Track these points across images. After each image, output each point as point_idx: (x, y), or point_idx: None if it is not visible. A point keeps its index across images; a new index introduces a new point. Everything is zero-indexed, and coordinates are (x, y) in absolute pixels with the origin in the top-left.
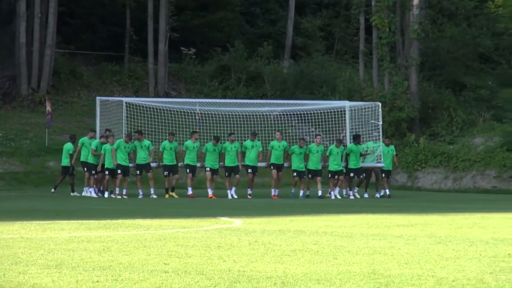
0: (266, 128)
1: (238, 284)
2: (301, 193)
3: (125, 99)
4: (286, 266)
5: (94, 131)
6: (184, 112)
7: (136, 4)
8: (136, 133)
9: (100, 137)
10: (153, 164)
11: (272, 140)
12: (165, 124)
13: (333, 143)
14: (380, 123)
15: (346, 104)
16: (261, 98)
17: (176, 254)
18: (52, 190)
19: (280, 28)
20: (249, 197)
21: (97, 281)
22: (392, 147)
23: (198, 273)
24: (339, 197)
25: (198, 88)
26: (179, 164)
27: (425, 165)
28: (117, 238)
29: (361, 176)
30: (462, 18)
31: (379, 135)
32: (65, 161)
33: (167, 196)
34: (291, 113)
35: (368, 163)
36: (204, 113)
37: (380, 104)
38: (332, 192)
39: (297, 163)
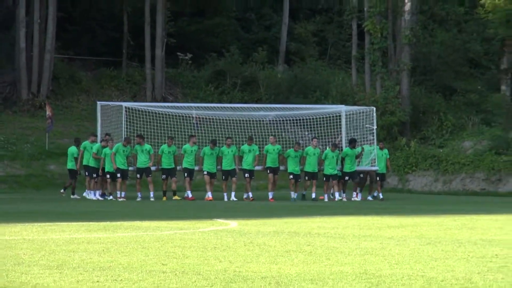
0: (262, 132)
1: (234, 284)
2: (295, 195)
3: (124, 104)
4: (281, 267)
5: (96, 135)
6: (181, 116)
7: (133, 10)
8: (137, 137)
9: (101, 141)
10: (152, 168)
11: (267, 144)
12: (163, 128)
13: (327, 147)
14: (375, 127)
15: (342, 108)
16: (256, 102)
17: (173, 255)
18: (75, 196)
19: (275, 33)
20: (251, 200)
21: (97, 281)
22: (386, 150)
23: (195, 273)
24: (345, 199)
25: (195, 92)
26: (178, 167)
27: (416, 168)
28: (116, 240)
29: (358, 178)
30: (452, 24)
31: (373, 139)
32: (70, 164)
33: (164, 198)
34: (286, 118)
35: (363, 166)
36: (201, 118)
37: (374, 108)
38: (336, 193)
39: (292, 166)
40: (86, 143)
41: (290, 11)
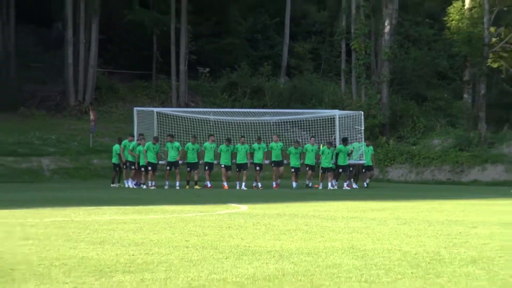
0: (267, 133)
1: (245, 256)
2: (296, 184)
3: (155, 109)
4: (283, 243)
5: (132, 135)
6: (201, 119)
7: (161, 33)
8: (168, 136)
9: (137, 140)
10: (179, 162)
11: (271, 142)
12: (187, 129)
13: (322, 145)
14: (362, 128)
15: (336, 112)
16: (263, 108)
17: (195, 233)
18: (114, 185)
19: (278, 51)
20: (260, 188)
21: (133, 255)
22: (371, 147)
23: (213, 248)
24: (336, 187)
25: (212, 100)
26: (200, 161)
27: (394, 161)
28: (148, 221)
29: (350, 170)
30: (424, 43)
31: (361, 137)
32: (114, 159)
33: (187, 187)
34: (288, 121)
35: (353, 160)
36: (217, 121)
37: (362, 112)
38: (329, 183)
39: (294, 161)
40: (125, 141)
41: (290, 33)
